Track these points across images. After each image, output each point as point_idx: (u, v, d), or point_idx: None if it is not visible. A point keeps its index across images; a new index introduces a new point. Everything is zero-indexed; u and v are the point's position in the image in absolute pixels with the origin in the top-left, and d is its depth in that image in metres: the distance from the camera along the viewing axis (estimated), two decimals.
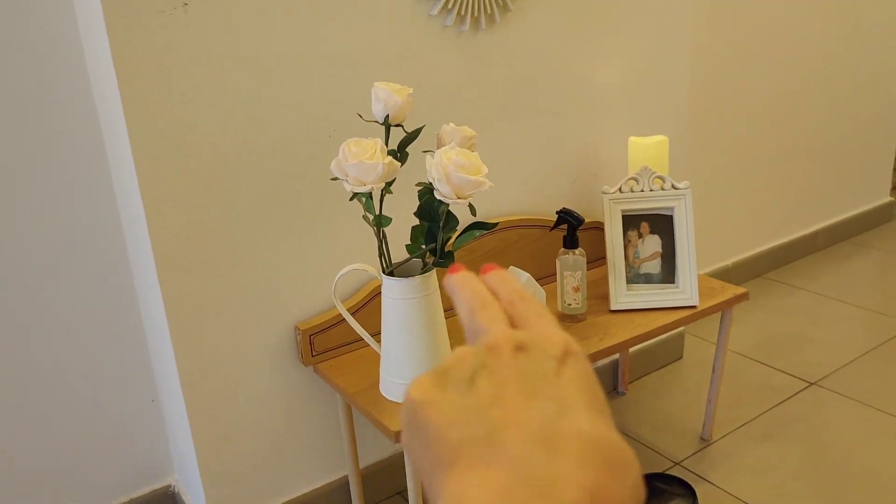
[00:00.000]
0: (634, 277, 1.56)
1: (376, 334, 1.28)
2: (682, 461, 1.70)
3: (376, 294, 1.40)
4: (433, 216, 1.14)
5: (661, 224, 1.55)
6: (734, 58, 2.22)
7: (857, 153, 2.74)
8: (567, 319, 1.49)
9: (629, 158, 1.62)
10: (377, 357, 1.27)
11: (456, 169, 1.04)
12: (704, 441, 1.76)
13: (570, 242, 1.46)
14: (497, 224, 1.18)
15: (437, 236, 1.15)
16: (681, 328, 2.06)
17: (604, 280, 1.61)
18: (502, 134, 1.56)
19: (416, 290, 1.17)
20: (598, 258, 1.70)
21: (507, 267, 1.38)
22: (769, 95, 2.36)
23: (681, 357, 2.13)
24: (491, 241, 1.55)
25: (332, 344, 1.40)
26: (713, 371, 1.69)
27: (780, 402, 1.89)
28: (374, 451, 1.58)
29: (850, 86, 2.61)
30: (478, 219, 1.33)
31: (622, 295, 1.54)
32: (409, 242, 1.18)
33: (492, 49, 1.49)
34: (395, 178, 1.11)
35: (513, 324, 0.33)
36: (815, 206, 2.68)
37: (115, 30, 1.11)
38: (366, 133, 1.13)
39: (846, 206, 2.81)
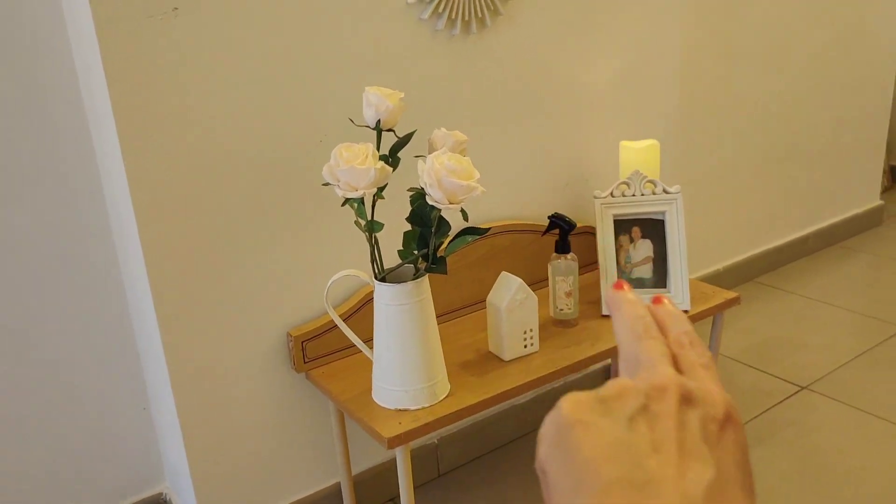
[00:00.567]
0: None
1: (368, 340, 1.28)
2: None
3: (368, 300, 1.39)
4: (425, 221, 1.14)
5: (653, 228, 1.55)
6: (724, 62, 2.23)
7: (847, 157, 2.76)
8: (559, 324, 1.49)
9: (620, 163, 1.62)
10: (369, 363, 1.27)
11: (448, 174, 1.04)
12: None
13: (562, 247, 1.46)
14: (489, 229, 1.18)
15: (430, 242, 1.15)
16: None
17: (596, 285, 1.61)
18: (494, 138, 1.56)
19: (409, 296, 1.17)
20: (589, 263, 1.70)
21: (499, 272, 1.38)
22: (759, 100, 2.37)
23: None
24: (483, 246, 1.55)
25: (325, 350, 1.40)
26: None
27: (771, 407, 1.89)
28: (367, 457, 1.58)
29: (841, 90, 2.63)
30: (470, 224, 1.33)
31: None
32: (401, 248, 1.18)
33: (483, 53, 1.49)
34: (386, 184, 1.11)
35: (676, 367, 0.31)
36: (805, 210, 2.69)
37: (104, 35, 1.11)
38: (357, 138, 1.13)
39: (837, 210, 2.82)
